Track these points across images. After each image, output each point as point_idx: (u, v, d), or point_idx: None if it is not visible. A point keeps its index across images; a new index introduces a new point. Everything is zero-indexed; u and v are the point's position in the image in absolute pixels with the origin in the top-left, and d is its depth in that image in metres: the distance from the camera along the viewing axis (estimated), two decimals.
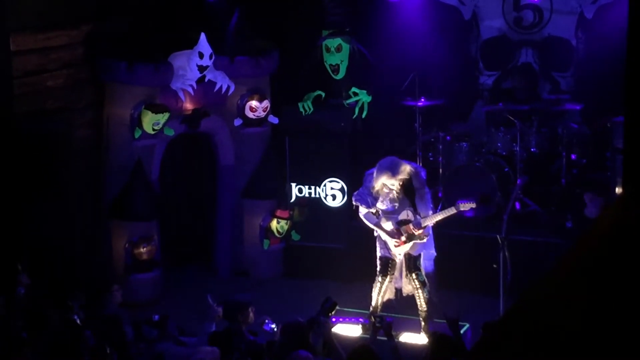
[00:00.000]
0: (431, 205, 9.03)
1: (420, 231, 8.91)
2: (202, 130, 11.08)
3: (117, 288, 9.13)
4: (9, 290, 8.41)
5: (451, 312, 7.66)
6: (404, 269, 9.16)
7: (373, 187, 8.97)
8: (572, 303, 3.44)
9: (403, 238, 8.97)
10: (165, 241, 11.07)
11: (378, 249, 9.20)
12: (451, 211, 8.94)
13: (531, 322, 3.52)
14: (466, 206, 8.92)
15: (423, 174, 9.12)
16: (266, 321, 8.29)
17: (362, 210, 9.09)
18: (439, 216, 8.95)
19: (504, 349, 3.58)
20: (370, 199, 9.01)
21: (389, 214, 9.01)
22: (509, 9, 12.02)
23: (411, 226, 8.92)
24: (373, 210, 9.05)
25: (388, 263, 9.15)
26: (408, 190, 8.99)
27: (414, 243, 9.01)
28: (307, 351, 7.15)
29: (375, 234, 9.18)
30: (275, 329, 8.21)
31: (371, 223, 9.10)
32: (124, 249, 10.53)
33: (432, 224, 9.02)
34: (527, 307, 3.65)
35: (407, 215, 8.95)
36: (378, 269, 9.20)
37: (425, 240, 9.01)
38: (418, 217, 8.92)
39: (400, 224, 8.97)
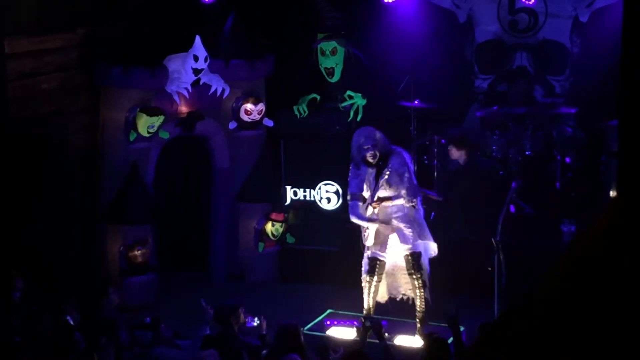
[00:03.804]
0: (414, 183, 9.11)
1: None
2: (197, 133, 11.08)
3: (113, 290, 9.15)
4: (3, 295, 8.39)
5: (451, 310, 7.69)
6: (404, 270, 9.17)
7: (358, 165, 9.07)
8: (567, 305, 3.45)
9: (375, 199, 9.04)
10: (160, 244, 11.07)
11: (366, 249, 9.23)
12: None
13: (527, 323, 3.53)
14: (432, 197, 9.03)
15: (405, 155, 9.20)
16: (247, 319, 8.32)
17: (353, 210, 9.14)
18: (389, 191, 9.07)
19: (499, 350, 3.59)
20: (357, 182, 9.08)
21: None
22: (504, 13, 12.03)
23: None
24: (365, 190, 9.10)
25: (376, 264, 9.17)
26: (380, 175, 9.04)
27: (413, 238, 9.03)
28: (298, 355, 7.19)
29: (364, 235, 9.20)
30: (258, 322, 8.26)
31: (363, 221, 9.10)
32: (118, 252, 10.52)
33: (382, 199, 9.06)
34: (523, 308, 3.66)
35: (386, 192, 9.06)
36: (366, 269, 9.22)
37: (377, 225, 9.05)
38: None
39: (379, 199, 9.07)
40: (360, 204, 9.11)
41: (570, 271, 3.58)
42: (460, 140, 10.74)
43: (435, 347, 7.05)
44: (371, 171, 9.06)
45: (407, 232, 9.08)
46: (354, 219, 9.16)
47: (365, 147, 9.02)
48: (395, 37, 11.83)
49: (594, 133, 11.09)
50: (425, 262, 9.23)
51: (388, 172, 9.00)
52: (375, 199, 8.97)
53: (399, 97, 11.24)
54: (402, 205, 9.07)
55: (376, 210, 9.04)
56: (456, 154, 10.67)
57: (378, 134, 9.08)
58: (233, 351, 7.73)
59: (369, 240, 9.07)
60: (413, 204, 9.09)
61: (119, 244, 10.52)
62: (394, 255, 9.24)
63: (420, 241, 9.13)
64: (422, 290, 9.10)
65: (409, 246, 9.08)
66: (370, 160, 9.02)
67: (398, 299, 9.43)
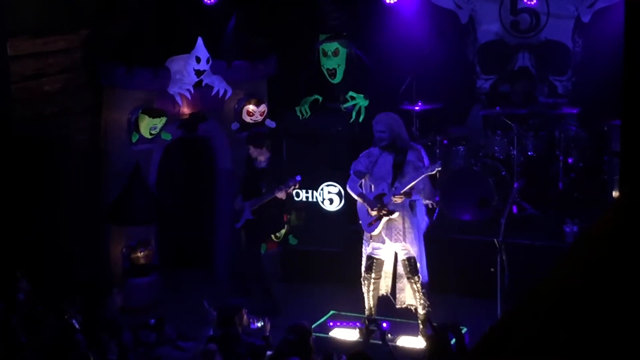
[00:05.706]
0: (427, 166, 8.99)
1: (398, 199, 8.89)
2: (200, 135, 11.09)
3: (117, 292, 9.15)
4: (8, 296, 8.41)
5: (449, 319, 7.67)
6: (402, 275, 9.15)
7: (376, 144, 9.11)
8: (570, 305, 3.45)
9: (374, 213, 8.98)
10: (163, 245, 11.07)
11: (364, 247, 9.23)
12: (422, 174, 8.89)
13: (530, 324, 3.53)
14: (435, 168, 8.88)
15: (423, 152, 9.17)
16: (251, 320, 8.33)
17: (350, 183, 9.21)
18: (413, 182, 8.89)
19: (502, 350, 3.59)
20: (366, 161, 9.12)
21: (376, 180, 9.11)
22: (505, 13, 12.04)
23: (384, 199, 8.96)
24: (366, 176, 9.12)
25: (373, 262, 9.16)
26: (398, 166, 9.02)
27: (409, 238, 8.99)
28: (303, 357, 7.21)
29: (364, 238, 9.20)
30: (262, 323, 8.27)
31: (355, 193, 9.16)
32: (121, 253, 10.52)
33: (406, 192, 8.95)
34: (526, 309, 3.66)
35: (382, 190, 8.99)
36: (363, 267, 9.22)
37: (395, 215, 8.96)
38: (393, 189, 8.95)
39: (376, 198, 9.00)
40: (362, 181, 9.18)
41: (573, 271, 3.58)
42: (257, 137, 10.44)
43: (438, 348, 7.05)
44: (388, 158, 9.04)
45: (407, 230, 9.06)
46: (350, 192, 9.21)
47: (377, 130, 9.12)
48: (397, 38, 11.83)
49: (596, 133, 11.09)
50: (422, 267, 9.17)
51: (404, 163, 9.00)
52: (402, 192, 8.92)
53: (401, 98, 11.24)
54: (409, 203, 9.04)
55: (399, 200, 8.97)
56: (255, 152, 10.37)
57: (394, 124, 9.11)
58: (236, 352, 7.74)
59: (377, 229, 9.03)
60: (429, 202, 9.09)
61: (121, 245, 10.53)
62: (392, 253, 9.21)
63: (415, 247, 9.08)
64: (421, 294, 9.08)
65: (401, 245, 9.04)
66: (378, 142, 9.07)
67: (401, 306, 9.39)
